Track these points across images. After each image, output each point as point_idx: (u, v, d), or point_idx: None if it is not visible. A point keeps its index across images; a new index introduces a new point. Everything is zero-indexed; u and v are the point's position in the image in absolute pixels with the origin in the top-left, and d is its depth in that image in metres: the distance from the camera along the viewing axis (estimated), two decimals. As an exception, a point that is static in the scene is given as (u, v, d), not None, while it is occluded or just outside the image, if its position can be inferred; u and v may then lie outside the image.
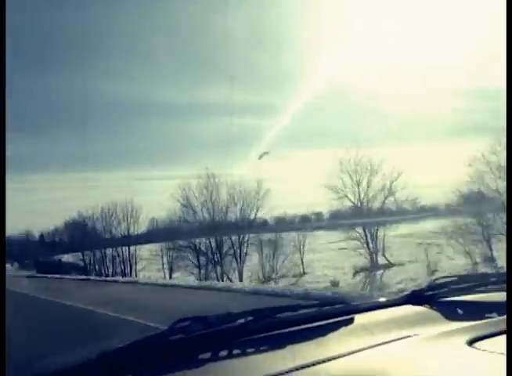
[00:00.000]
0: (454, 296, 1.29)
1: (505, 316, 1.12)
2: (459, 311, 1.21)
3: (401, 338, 0.96)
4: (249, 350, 0.90)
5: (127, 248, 29.38)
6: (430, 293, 1.31)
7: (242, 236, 23.24)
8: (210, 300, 8.47)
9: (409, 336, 0.97)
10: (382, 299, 1.25)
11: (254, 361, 0.87)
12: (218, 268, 23.00)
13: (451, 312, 1.17)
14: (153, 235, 30.18)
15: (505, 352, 0.85)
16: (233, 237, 23.29)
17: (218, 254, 23.39)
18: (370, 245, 20.60)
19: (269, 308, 1.07)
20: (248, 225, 23.60)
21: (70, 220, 33.62)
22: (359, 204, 21.31)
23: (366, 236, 20.74)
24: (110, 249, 29.77)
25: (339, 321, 1.04)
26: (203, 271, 23.76)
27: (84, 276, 22.21)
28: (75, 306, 8.45)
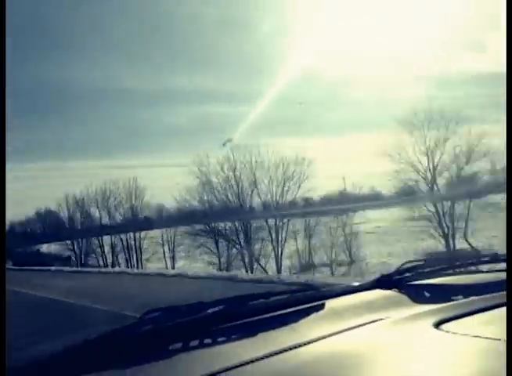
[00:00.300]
0: (422, 280, 1.32)
1: (471, 298, 1.16)
2: (427, 294, 1.24)
3: (370, 322, 0.97)
4: (220, 339, 0.90)
5: (131, 235, 25.76)
6: (399, 277, 1.34)
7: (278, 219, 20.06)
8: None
9: (378, 320, 0.99)
10: (352, 284, 1.27)
11: (225, 349, 0.87)
12: (246, 257, 20.35)
13: (418, 295, 1.20)
14: (159, 221, 27.66)
15: (470, 334, 0.88)
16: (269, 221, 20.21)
17: (246, 241, 20.35)
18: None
19: (240, 296, 1.07)
20: (284, 206, 20.70)
21: (43, 210, 32.11)
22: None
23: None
24: (107, 237, 26.58)
25: (310, 307, 1.05)
26: (223, 259, 21.31)
27: (70, 268, 20.05)
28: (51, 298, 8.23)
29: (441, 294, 1.20)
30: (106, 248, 27.78)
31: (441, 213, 19.04)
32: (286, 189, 21.31)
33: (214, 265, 21.66)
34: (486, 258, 1.53)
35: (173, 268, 22.97)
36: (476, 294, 1.17)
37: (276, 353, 0.81)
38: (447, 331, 0.92)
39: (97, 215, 28.55)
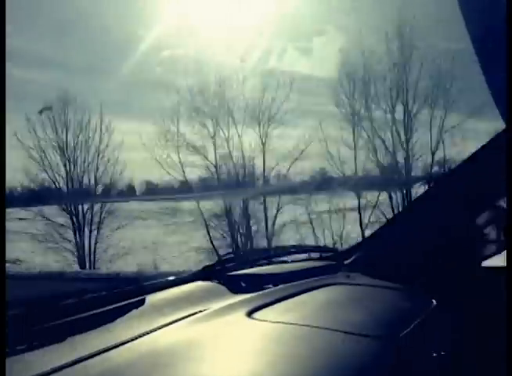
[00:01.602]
0: (239, 270, 1.41)
1: (279, 287, 1.29)
2: (243, 284, 1.33)
3: (188, 315, 0.99)
4: (19, 347, 0.78)
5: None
6: (219, 268, 1.40)
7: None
8: None
9: (196, 312, 1.01)
10: (173, 277, 1.27)
11: (30, 358, 0.76)
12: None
13: (235, 285, 1.28)
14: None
15: (282, 320, 0.97)
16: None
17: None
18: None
19: (48, 296, 0.96)
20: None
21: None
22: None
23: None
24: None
25: (128, 304, 1.01)
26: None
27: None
28: None
29: (254, 283, 1.30)
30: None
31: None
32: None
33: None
34: (292, 249, 1.73)
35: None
36: (283, 283, 1.31)
37: (83, 359, 0.74)
38: (258, 319, 1.00)
39: None
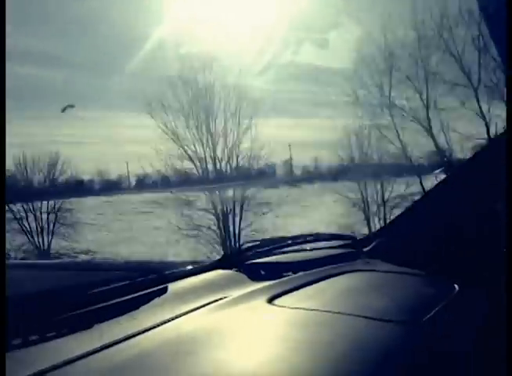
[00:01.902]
0: (258, 259, 1.42)
1: (298, 274, 1.29)
2: (262, 272, 1.34)
3: (209, 303, 1.00)
4: (49, 334, 0.81)
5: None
6: (239, 256, 1.41)
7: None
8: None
9: (217, 300, 1.03)
10: (194, 266, 1.29)
11: (54, 345, 0.79)
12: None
13: (255, 273, 1.29)
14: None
15: (302, 307, 0.98)
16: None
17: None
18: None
19: (73, 285, 0.99)
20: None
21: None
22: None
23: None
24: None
25: (151, 292, 1.03)
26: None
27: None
28: None
29: (274, 271, 1.31)
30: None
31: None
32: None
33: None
34: (310, 238, 1.73)
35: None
36: (302, 270, 1.31)
37: (109, 345, 0.76)
38: (278, 305, 1.01)
39: None
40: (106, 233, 16.91)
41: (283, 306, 1.00)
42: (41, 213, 15.11)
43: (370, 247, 1.61)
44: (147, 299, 0.99)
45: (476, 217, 1.51)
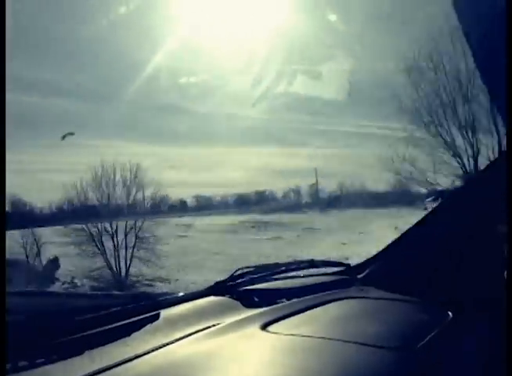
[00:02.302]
0: (252, 285, 1.41)
1: (292, 301, 1.28)
2: (256, 298, 1.33)
3: (202, 329, 0.99)
4: (40, 360, 0.79)
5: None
6: (232, 283, 1.40)
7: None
8: None
9: (210, 326, 1.01)
10: (186, 293, 1.28)
11: (45, 371, 0.77)
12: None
13: (248, 300, 1.28)
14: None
15: (296, 333, 0.97)
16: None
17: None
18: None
19: (67, 310, 0.97)
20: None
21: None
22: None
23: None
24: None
25: (144, 318, 1.02)
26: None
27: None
28: None
29: (268, 297, 1.30)
30: None
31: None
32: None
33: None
34: (304, 264, 1.72)
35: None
36: (296, 297, 1.30)
37: (101, 371, 0.75)
38: (272, 332, 1.00)
39: None
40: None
41: (276, 333, 0.99)
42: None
43: (364, 273, 1.61)
44: (139, 326, 0.98)
45: (470, 244, 1.52)
